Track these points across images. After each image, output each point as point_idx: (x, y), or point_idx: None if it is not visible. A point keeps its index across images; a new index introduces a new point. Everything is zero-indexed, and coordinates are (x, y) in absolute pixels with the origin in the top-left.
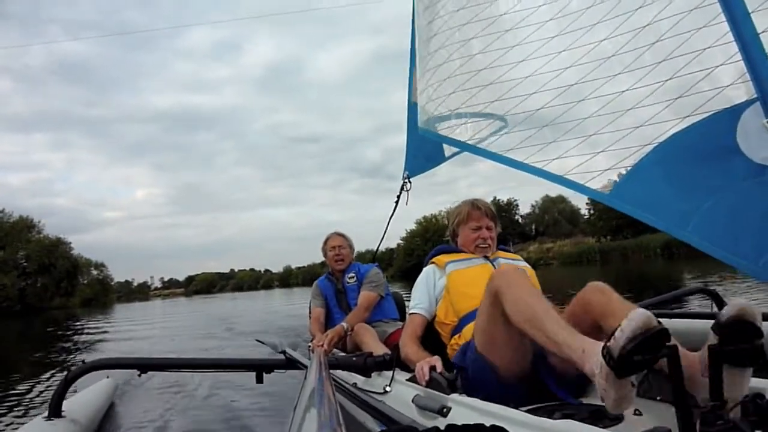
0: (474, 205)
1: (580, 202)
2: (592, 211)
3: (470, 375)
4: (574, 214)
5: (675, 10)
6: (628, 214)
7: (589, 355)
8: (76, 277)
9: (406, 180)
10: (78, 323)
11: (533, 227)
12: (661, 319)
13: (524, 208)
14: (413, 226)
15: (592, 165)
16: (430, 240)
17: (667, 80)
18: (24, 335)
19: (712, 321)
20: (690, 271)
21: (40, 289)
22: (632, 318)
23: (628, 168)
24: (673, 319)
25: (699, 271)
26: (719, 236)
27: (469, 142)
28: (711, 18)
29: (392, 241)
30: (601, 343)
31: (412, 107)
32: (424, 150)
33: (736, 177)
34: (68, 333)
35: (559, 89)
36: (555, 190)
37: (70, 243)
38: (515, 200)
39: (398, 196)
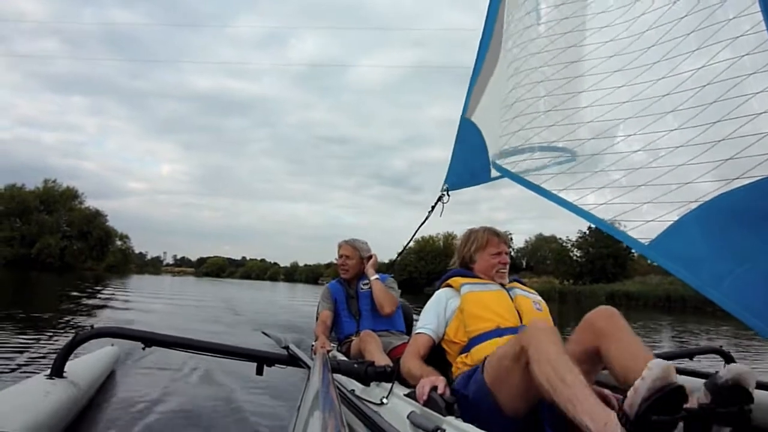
0: (493, 231)
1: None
2: (575, 254)
3: (471, 403)
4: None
5: (736, 72)
6: (663, 267)
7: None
8: (107, 246)
9: (445, 192)
10: (99, 287)
11: (524, 262)
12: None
13: (521, 242)
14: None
15: (635, 214)
16: (423, 259)
17: (720, 141)
18: (62, 291)
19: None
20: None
21: (76, 251)
22: (647, 376)
23: (671, 222)
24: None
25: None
26: (750, 300)
27: (521, 175)
28: None
29: (393, 253)
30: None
31: (464, 122)
32: (471, 166)
33: None
34: (85, 294)
35: (614, 137)
36: (554, 229)
37: (107, 215)
38: (509, 234)
39: (433, 207)
